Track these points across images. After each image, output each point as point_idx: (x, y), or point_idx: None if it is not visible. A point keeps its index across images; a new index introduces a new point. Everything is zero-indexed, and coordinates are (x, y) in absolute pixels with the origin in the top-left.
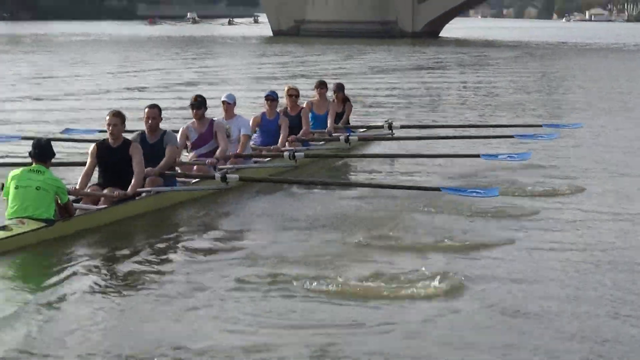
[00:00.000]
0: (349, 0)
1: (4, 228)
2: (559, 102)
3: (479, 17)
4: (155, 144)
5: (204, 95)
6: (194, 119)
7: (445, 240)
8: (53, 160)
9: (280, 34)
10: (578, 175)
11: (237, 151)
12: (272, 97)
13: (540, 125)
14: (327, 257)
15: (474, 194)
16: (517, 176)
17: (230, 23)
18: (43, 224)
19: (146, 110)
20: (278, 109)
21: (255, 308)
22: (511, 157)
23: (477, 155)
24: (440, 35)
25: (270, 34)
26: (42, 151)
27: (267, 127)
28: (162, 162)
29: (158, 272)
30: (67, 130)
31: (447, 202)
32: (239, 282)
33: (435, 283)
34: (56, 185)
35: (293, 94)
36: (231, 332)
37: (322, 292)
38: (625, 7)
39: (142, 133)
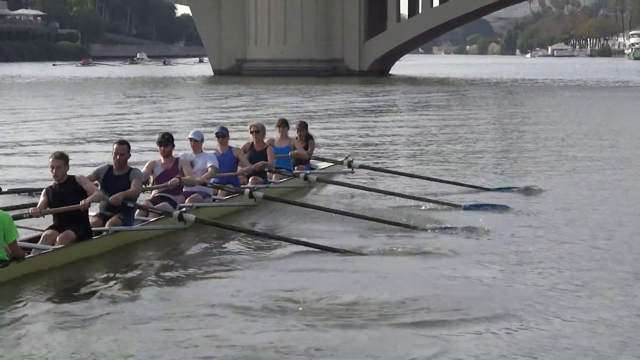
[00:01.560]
0: (292, 38)
1: None
2: (509, 158)
3: (443, 53)
4: (120, 176)
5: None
6: (161, 156)
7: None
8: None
9: (222, 74)
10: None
11: (203, 178)
12: (222, 134)
13: (488, 189)
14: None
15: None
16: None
17: (165, 63)
18: None
19: (115, 146)
20: (241, 146)
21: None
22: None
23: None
24: (390, 73)
25: (212, 73)
26: None
27: (221, 162)
28: (127, 191)
29: (114, 313)
30: None
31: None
32: (192, 321)
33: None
34: (1, 224)
35: (254, 130)
36: None
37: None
38: (588, 42)
39: (109, 166)
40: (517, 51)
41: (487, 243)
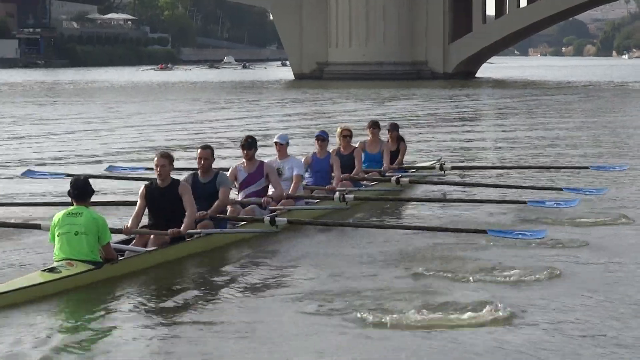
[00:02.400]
0: (374, 41)
1: (52, 270)
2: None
3: (539, 55)
4: (207, 183)
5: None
6: (244, 159)
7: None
8: (98, 199)
9: (303, 77)
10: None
11: (290, 191)
12: (322, 137)
13: (587, 167)
14: (372, 294)
15: (521, 235)
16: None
17: (244, 67)
18: (91, 267)
19: (199, 151)
20: (330, 149)
21: (307, 345)
22: (558, 204)
23: (524, 202)
24: (477, 75)
25: (292, 77)
26: (81, 191)
27: (318, 166)
28: (215, 205)
29: (207, 313)
30: (110, 168)
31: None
32: (290, 320)
33: (485, 315)
34: (96, 226)
35: (347, 135)
36: None
37: (372, 325)
38: None
39: (194, 174)
40: (614, 52)
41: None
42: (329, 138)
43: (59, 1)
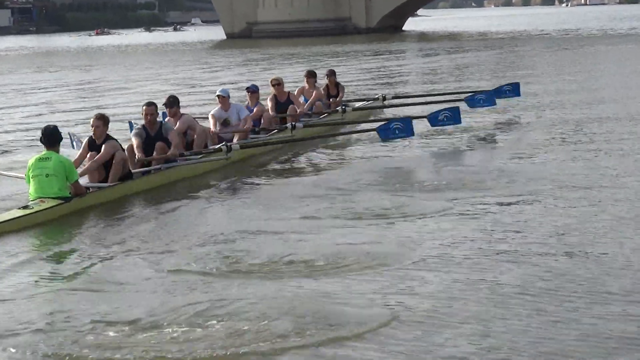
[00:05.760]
0: (299, 0)
1: (25, 207)
2: None
3: (492, 6)
4: (155, 135)
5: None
6: (169, 117)
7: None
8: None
9: (234, 37)
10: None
11: (244, 127)
12: (252, 90)
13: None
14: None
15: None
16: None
17: (175, 29)
18: (60, 202)
19: (144, 107)
20: (268, 100)
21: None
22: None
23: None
24: (404, 29)
25: (224, 37)
26: (49, 137)
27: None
28: (172, 147)
29: (164, 242)
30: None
31: None
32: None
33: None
34: (64, 168)
35: (276, 83)
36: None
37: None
38: None
39: (144, 127)
40: (556, 2)
41: None
42: (259, 91)
43: None
